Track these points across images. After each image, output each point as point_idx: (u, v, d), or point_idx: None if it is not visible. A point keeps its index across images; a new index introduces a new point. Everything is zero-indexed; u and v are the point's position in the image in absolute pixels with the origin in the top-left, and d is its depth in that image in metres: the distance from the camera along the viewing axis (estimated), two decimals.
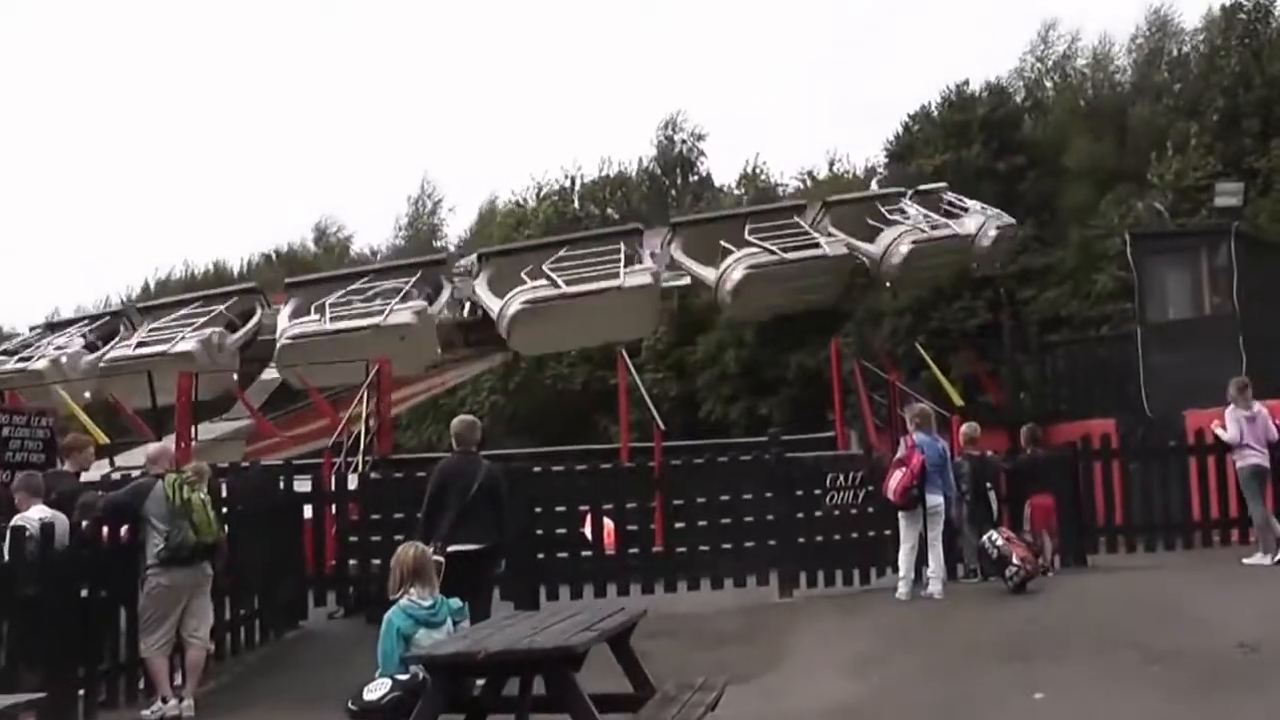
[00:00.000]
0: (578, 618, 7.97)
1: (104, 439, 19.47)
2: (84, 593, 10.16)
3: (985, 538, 13.59)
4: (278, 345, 21.38)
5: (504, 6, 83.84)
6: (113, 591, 10.38)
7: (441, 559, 10.33)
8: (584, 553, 13.97)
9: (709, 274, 21.93)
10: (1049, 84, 43.77)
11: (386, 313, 21.07)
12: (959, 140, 37.57)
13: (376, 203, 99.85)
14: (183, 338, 21.57)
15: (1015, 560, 13.13)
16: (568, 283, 21.00)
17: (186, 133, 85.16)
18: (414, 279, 22.66)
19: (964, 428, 15.40)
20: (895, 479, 13.30)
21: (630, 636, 8.31)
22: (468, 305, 23.25)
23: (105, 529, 10.48)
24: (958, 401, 20.38)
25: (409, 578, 7.75)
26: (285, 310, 22.58)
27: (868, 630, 12.11)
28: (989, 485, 14.58)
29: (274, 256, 53.41)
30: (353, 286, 22.61)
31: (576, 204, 47.84)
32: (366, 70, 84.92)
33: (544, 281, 21.22)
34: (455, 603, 7.98)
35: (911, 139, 40.40)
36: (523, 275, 21.69)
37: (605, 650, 7.87)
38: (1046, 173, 37.69)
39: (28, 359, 23.13)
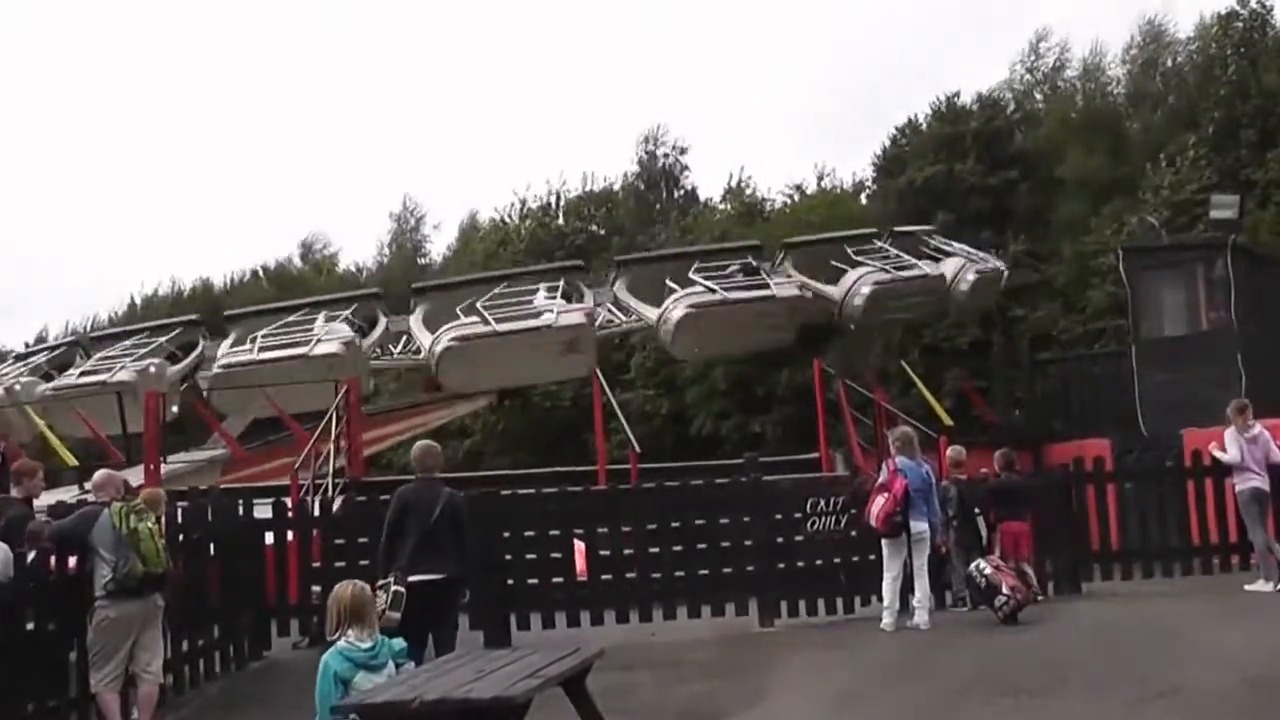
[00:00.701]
0: (529, 659, 7.42)
1: (74, 462, 19.75)
2: (30, 625, 9.69)
3: (973, 566, 13.00)
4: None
5: (485, 21, 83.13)
6: (61, 624, 9.90)
7: (402, 589, 9.83)
8: (554, 579, 13.31)
9: (651, 313, 21.91)
10: (1039, 95, 43.38)
11: (313, 343, 21.10)
12: (950, 153, 37.17)
13: (364, 218, 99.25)
14: (122, 368, 21.80)
15: (1005, 589, 12.54)
16: (499, 320, 20.89)
17: (173, 149, 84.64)
18: (349, 311, 23.11)
19: (949, 450, 14.83)
20: (878, 505, 12.66)
21: (586, 678, 7.73)
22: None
23: (52, 559, 9.98)
24: (946, 421, 19.83)
25: (346, 618, 7.15)
26: (226, 341, 23.06)
27: (851, 664, 11.48)
28: (977, 510, 13.97)
29: (261, 273, 52.77)
30: (291, 319, 23.10)
31: (561, 220, 47.20)
32: (352, 85, 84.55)
33: (475, 319, 21.10)
34: (398, 644, 7.40)
35: (900, 152, 40.03)
36: (457, 311, 21.72)
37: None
38: (1039, 186, 37.33)
39: None
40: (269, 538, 13.18)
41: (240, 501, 13.19)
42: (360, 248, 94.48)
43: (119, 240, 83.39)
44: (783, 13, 79.68)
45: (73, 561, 9.98)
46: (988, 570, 12.77)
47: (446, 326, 21.31)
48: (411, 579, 9.87)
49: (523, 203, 48.17)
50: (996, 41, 66.43)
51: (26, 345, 53.35)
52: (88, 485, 17.95)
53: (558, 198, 48.30)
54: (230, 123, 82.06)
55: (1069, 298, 34.73)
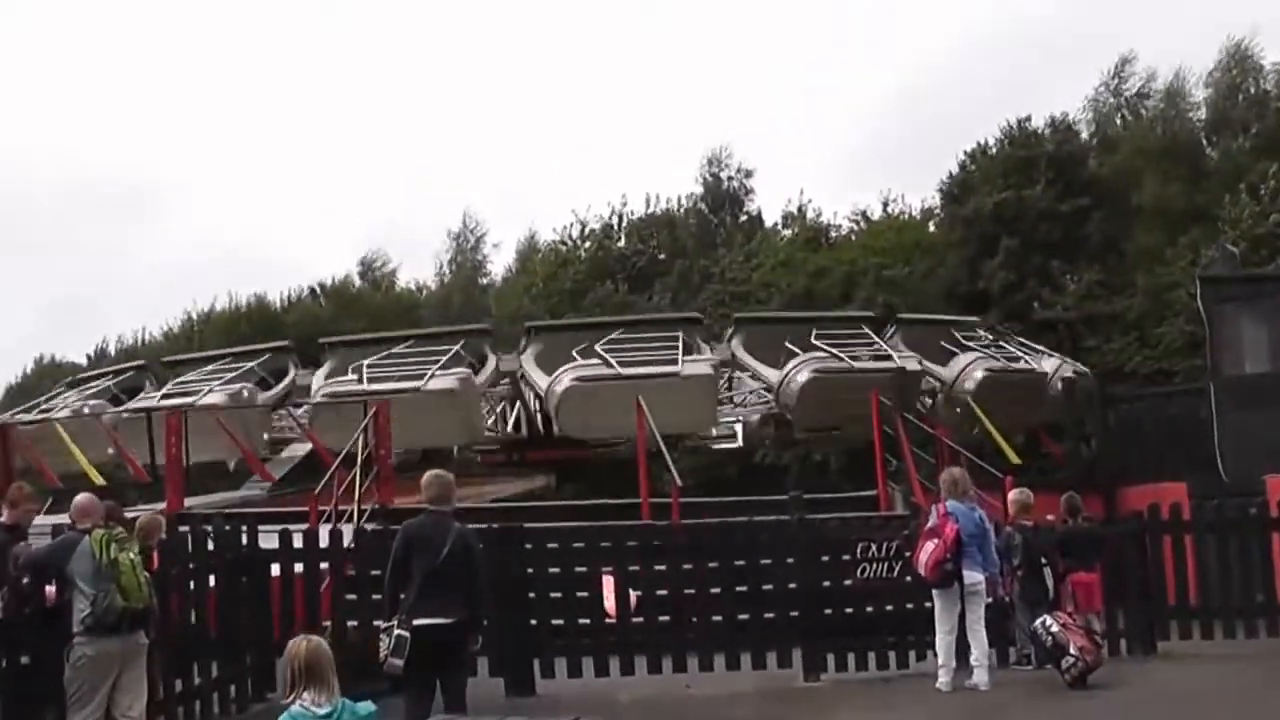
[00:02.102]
0: None
1: (101, 481, 18.93)
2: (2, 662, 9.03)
3: (1039, 622, 11.87)
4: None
5: (547, 38, 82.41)
6: (35, 661, 9.14)
7: (406, 634, 8.92)
8: (581, 620, 12.37)
9: (771, 374, 21.49)
10: (1118, 121, 42.04)
11: (427, 378, 20.36)
12: (1020, 178, 35.98)
13: (422, 235, 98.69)
14: (210, 390, 21.06)
15: (1073, 650, 11.43)
16: (621, 364, 20.36)
17: (230, 159, 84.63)
18: (458, 346, 22.44)
19: (1014, 493, 13.64)
20: (926, 551, 11.58)
21: None
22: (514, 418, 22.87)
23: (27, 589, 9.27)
24: (1014, 459, 18.69)
25: (301, 678, 6.22)
26: (322, 370, 22.48)
27: None
28: (1043, 560, 12.85)
29: (318, 290, 52.12)
30: (396, 349, 22.40)
31: (622, 241, 46.40)
32: (412, 100, 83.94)
33: (596, 360, 20.55)
34: (364, 708, 6.43)
35: (968, 177, 38.85)
36: (574, 353, 21.21)
37: None
38: (1113, 214, 36.11)
39: (48, 410, 23.40)
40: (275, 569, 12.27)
41: (244, 529, 12.27)
42: (417, 265, 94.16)
43: (172, 253, 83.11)
44: (845, 35, 78.42)
45: (51, 591, 9.23)
46: (1055, 627, 11.66)
47: (566, 366, 20.79)
48: (417, 623, 8.95)
49: (583, 224, 47.42)
50: (1066, 67, 64.34)
51: (89, 358, 53.92)
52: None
53: (620, 219, 47.52)
54: (287, 136, 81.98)
55: (1142, 332, 33.63)
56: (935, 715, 10.99)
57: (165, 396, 22.13)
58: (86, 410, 22.67)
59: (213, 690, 11.22)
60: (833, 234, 44.17)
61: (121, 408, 23.00)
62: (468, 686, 9.53)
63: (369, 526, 14.09)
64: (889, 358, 21.41)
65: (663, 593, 12.67)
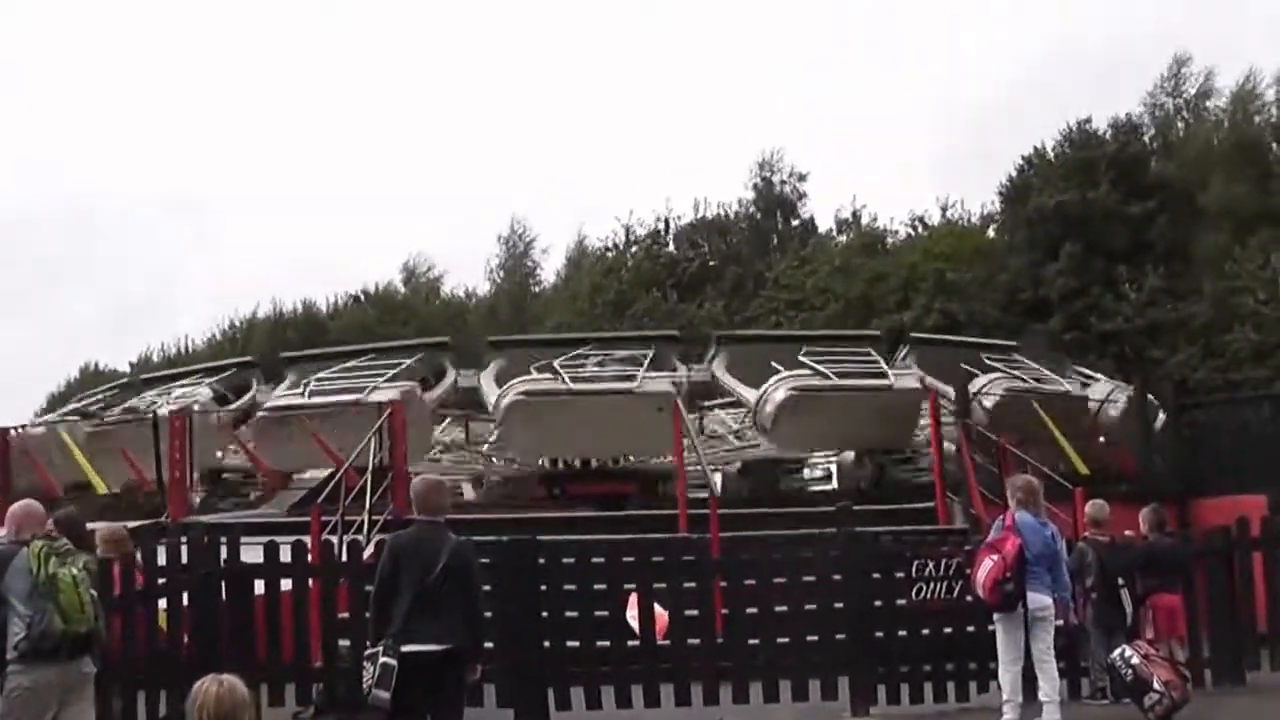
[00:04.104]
0: None
1: (104, 490, 18.76)
2: None
3: (1117, 653, 10.48)
4: (503, 401, 19.50)
5: (596, 42, 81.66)
6: None
7: (393, 662, 7.73)
8: (599, 642, 11.08)
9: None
10: (1180, 123, 40.81)
11: (639, 380, 19.39)
12: (1083, 180, 34.79)
13: (466, 241, 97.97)
14: (375, 388, 19.52)
15: (1157, 685, 10.04)
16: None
17: (270, 163, 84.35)
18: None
19: (1089, 507, 12.21)
20: (984, 569, 10.15)
21: None
22: None
23: None
24: (1082, 470, 17.25)
25: None
26: (490, 370, 21.82)
27: None
28: (1120, 581, 11.45)
29: (362, 297, 51.48)
30: (578, 351, 21.70)
31: (671, 247, 45.41)
32: (460, 108, 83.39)
33: (807, 371, 19.63)
34: None
35: (1028, 180, 37.69)
36: (773, 364, 20.19)
37: None
38: (1180, 219, 34.88)
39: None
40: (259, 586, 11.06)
41: (224, 541, 11.06)
42: (465, 271, 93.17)
43: (217, 260, 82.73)
44: (899, 40, 77.20)
45: None
46: (1135, 659, 10.27)
47: (778, 378, 19.68)
48: (405, 650, 7.77)
49: (627, 230, 46.43)
50: (1124, 71, 62.73)
51: (131, 365, 53.33)
52: None
53: (666, 224, 46.55)
54: (328, 140, 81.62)
55: (1208, 341, 32.37)
56: None
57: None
58: (197, 407, 21.03)
59: None
60: (889, 240, 43.27)
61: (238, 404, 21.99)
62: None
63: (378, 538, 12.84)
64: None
65: (693, 613, 11.34)
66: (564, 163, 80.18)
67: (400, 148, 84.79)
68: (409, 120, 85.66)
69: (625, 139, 79.44)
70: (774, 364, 20.23)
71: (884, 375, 19.93)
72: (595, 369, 20.28)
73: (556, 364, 19.99)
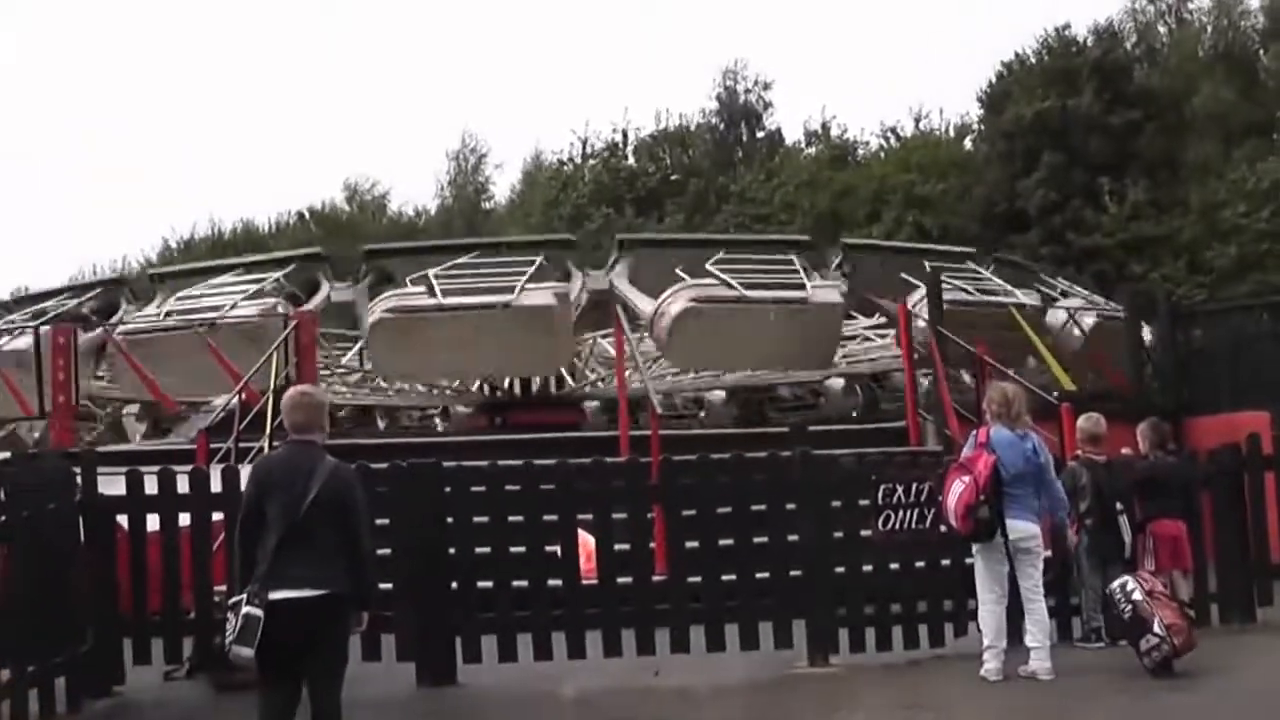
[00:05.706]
0: None
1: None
2: None
3: (1117, 584, 9.01)
4: (368, 320, 18.16)
5: None
6: None
7: (258, 613, 6.26)
8: (515, 582, 9.53)
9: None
10: (1162, 29, 39.58)
11: (517, 291, 17.54)
12: (1064, 87, 33.52)
13: (412, 158, 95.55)
14: (234, 305, 18.22)
15: (1157, 629, 8.55)
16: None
17: (209, 80, 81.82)
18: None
19: (1082, 420, 10.74)
20: (954, 493, 8.79)
21: None
22: None
23: None
24: (1068, 384, 15.80)
25: None
26: (364, 283, 19.92)
27: None
28: (1119, 506, 9.98)
29: (306, 215, 49.83)
30: (458, 260, 19.57)
31: (631, 160, 43.90)
32: (398, 16, 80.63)
33: (712, 281, 17.93)
34: None
35: (1007, 88, 36.34)
36: (677, 271, 18.53)
37: None
38: (1165, 128, 33.73)
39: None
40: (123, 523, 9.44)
41: (80, 472, 9.39)
42: (414, 188, 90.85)
43: (151, 176, 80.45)
44: None
45: None
46: (1137, 594, 8.78)
47: (677, 286, 18.10)
48: (273, 597, 6.31)
49: (584, 142, 44.82)
50: None
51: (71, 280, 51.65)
52: None
53: (625, 137, 44.96)
54: (270, 54, 79.25)
55: (1193, 256, 31.25)
56: (980, 713, 8.27)
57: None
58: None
59: (32, 685, 8.35)
60: (860, 151, 42.09)
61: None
62: (377, 677, 7.62)
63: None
64: (800, 287, 18.23)
65: (624, 547, 9.79)
66: (517, 73, 77.92)
67: (346, 59, 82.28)
68: (354, 31, 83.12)
69: (582, 48, 77.27)
70: (679, 272, 18.60)
71: (801, 287, 18.24)
72: (474, 279, 18.32)
73: (432, 275, 18.20)
